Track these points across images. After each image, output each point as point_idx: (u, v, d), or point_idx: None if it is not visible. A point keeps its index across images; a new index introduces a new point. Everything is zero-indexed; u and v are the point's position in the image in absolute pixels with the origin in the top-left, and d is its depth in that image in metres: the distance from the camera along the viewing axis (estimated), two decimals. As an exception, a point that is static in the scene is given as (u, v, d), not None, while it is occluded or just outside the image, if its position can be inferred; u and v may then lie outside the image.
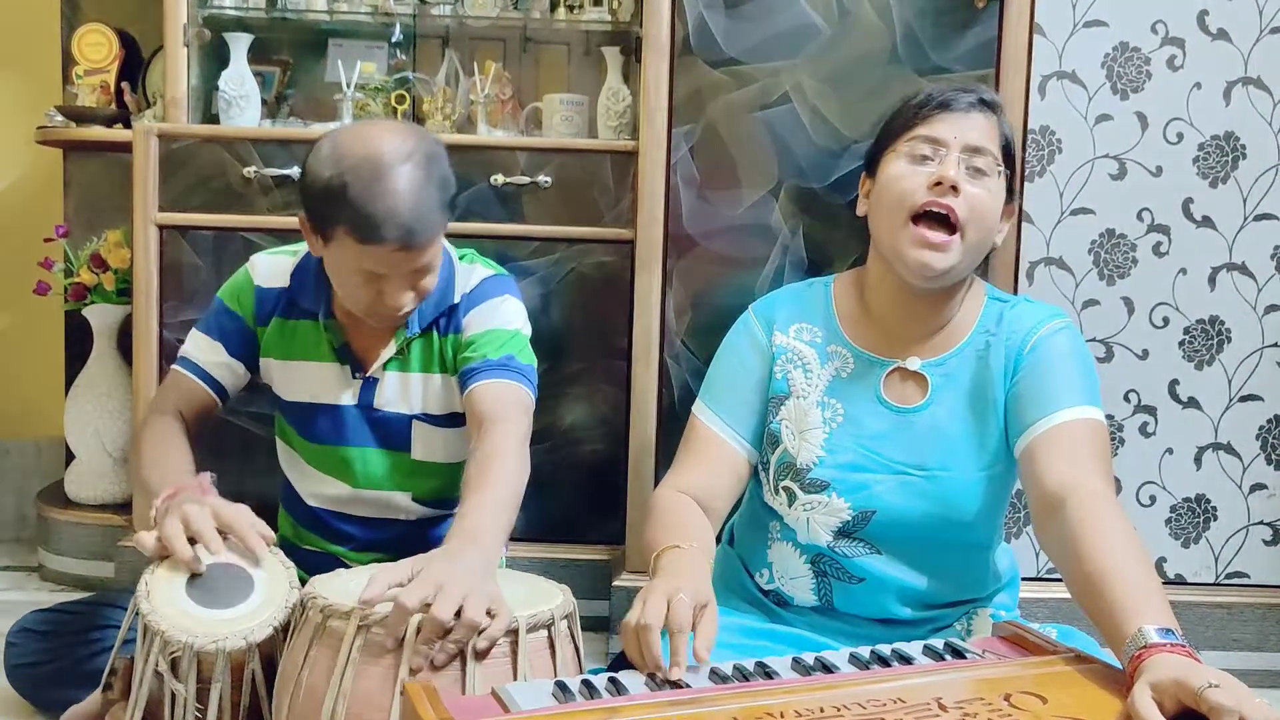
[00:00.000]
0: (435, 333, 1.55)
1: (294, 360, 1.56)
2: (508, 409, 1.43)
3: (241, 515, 1.31)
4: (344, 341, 1.54)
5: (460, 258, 1.59)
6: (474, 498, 1.31)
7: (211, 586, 1.25)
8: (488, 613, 1.12)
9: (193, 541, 1.26)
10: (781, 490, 1.42)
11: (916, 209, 1.32)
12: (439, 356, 1.55)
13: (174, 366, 1.58)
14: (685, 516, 1.34)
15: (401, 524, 1.59)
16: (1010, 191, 1.39)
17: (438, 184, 1.40)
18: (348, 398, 1.55)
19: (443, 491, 1.59)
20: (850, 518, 1.38)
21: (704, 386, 1.48)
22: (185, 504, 1.29)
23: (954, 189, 1.31)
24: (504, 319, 1.53)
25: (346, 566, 1.55)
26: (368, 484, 1.56)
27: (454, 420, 1.57)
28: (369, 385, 1.54)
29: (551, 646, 1.16)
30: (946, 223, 1.32)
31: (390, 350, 1.53)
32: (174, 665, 1.19)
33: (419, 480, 1.58)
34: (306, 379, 1.56)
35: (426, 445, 1.57)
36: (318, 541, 1.62)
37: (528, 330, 1.56)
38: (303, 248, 1.58)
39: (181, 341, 1.61)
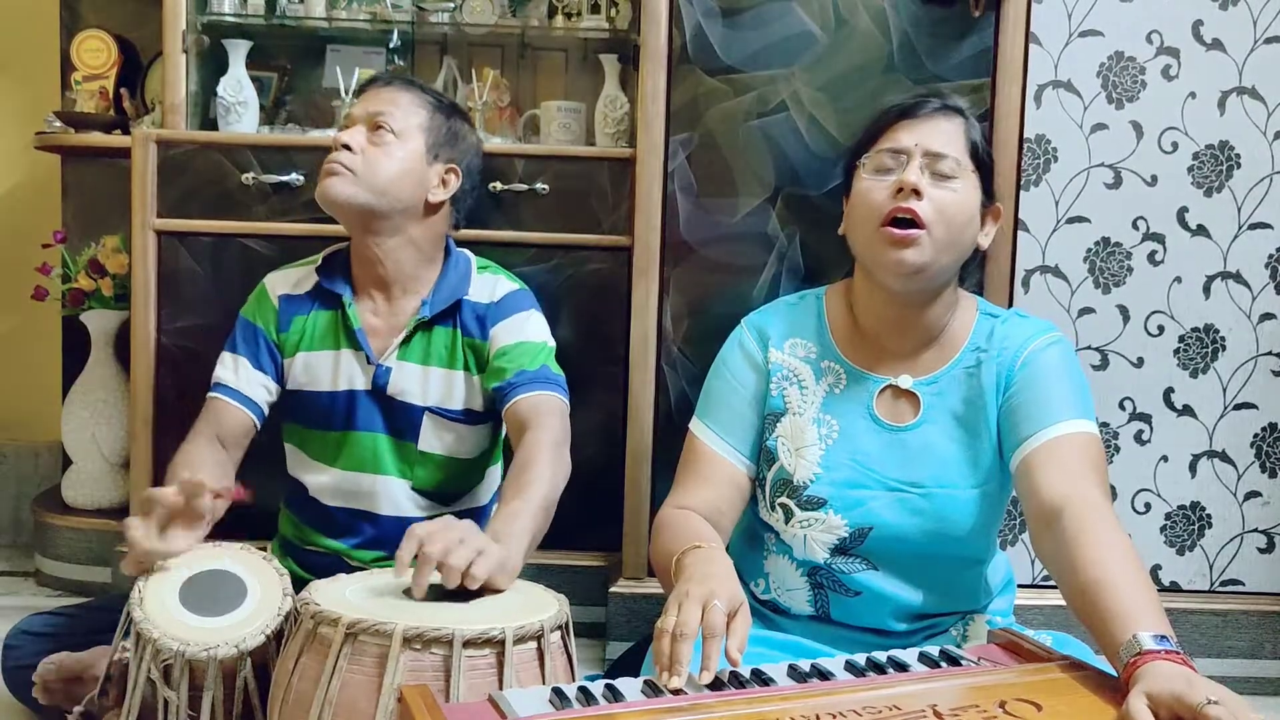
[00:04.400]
0: (458, 330, 1.60)
1: (313, 350, 1.62)
2: (544, 416, 1.51)
3: (158, 491, 1.30)
4: (360, 326, 1.60)
5: (481, 268, 1.67)
6: (504, 511, 1.36)
7: (204, 594, 1.25)
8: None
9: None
10: (778, 507, 1.42)
11: (884, 217, 1.34)
12: (463, 354, 1.61)
13: (208, 395, 1.62)
14: (697, 525, 1.35)
15: (403, 521, 1.60)
16: (989, 194, 1.40)
17: (445, 100, 1.67)
18: (361, 383, 1.60)
19: (443, 484, 1.63)
20: (847, 534, 1.38)
21: (700, 403, 1.48)
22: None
23: (916, 193, 1.32)
24: (533, 332, 1.61)
25: (348, 568, 1.56)
26: (368, 467, 1.58)
27: (467, 417, 1.60)
28: (382, 371, 1.59)
29: (541, 658, 1.16)
30: (913, 225, 1.33)
31: (403, 335, 1.59)
32: (166, 672, 1.19)
33: (420, 470, 1.61)
34: (322, 366, 1.61)
35: (434, 437, 1.61)
36: (320, 540, 1.63)
37: (553, 343, 1.64)
38: (317, 257, 1.68)
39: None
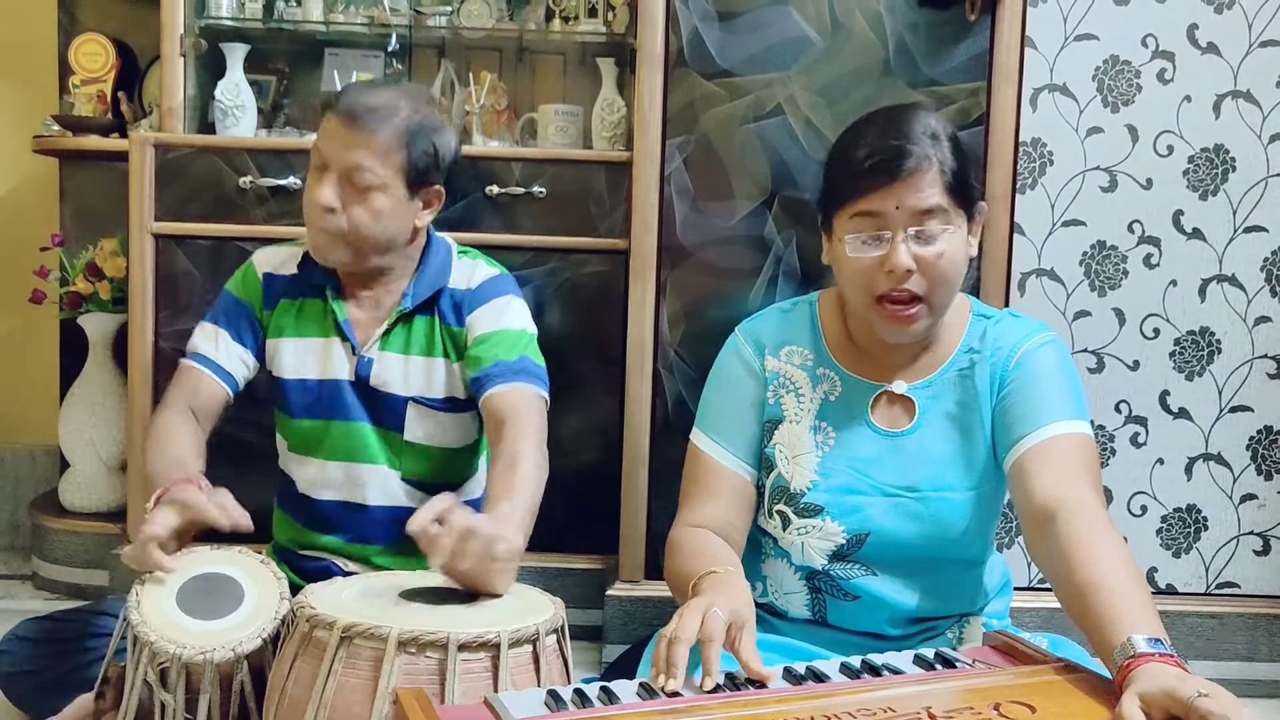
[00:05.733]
0: (437, 318, 1.59)
1: (298, 337, 1.61)
2: (524, 412, 1.48)
3: (199, 498, 1.32)
4: (346, 317, 1.59)
5: (461, 253, 1.65)
6: (497, 507, 1.35)
7: (201, 597, 1.25)
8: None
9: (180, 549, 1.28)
10: (776, 514, 1.42)
11: (876, 294, 1.32)
12: (441, 342, 1.59)
13: (182, 361, 1.61)
14: (712, 546, 1.34)
15: (394, 512, 1.61)
16: (971, 216, 1.36)
17: (410, 109, 1.51)
18: (344, 372, 1.59)
19: (431, 475, 1.63)
20: (844, 541, 1.38)
21: (700, 414, 1.48)
22: (150, 514, 1.31)
23: (908, 271, 1.29)
24: (512, 319, 1.58)
25: (344, 573, 1.56)
26: (356, 457, 1.59)
27: (449, 405, 1.60)
28: (365, 362, 1.58)
29: (536, 662, 1.16)
30: (909, 296, 1.31)
31: (384, 326, 1.58)
32: (163, 675, 1.19)
33: (407, 459, 1.61)
34: (307, 354, 1.60)
35: (419, 427, 1.60)
36: (315, 539, 1.64)
37: (534, 330, 1.61)
38: (302, 244, 1.64)
39: (177, 350, 1.64)
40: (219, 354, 1.59)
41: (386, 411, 1.59)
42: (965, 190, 1.34)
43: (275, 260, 1.64)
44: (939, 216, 1.30)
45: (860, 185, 1.31)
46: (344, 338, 1.59)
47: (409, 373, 1.59)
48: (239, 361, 1.60)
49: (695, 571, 1.26)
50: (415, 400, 1.59)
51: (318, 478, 1.61)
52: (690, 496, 1.43)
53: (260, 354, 1.63)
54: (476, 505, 1.68)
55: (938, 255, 1.31)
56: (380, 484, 1.60)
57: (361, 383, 1.59)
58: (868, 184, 1.30)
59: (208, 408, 1.57)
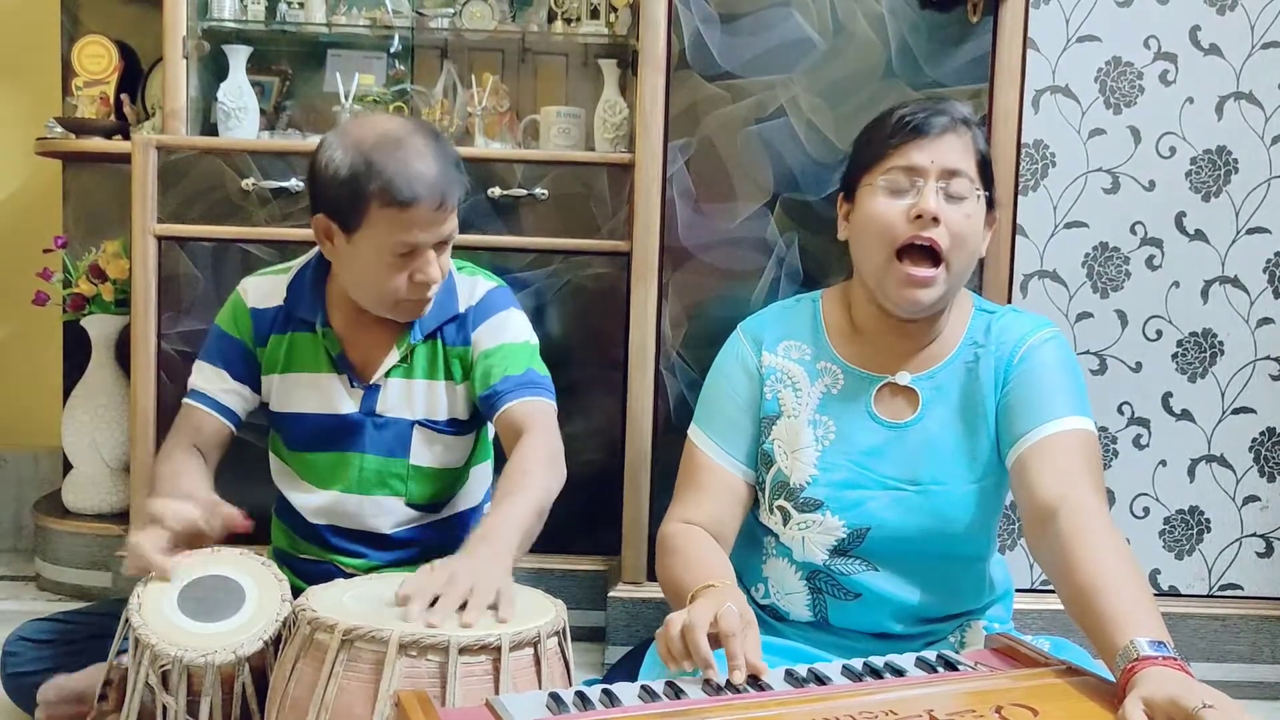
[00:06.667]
0: (440, 341, 1.58)
1: (292, 372, 1.59)
2: (540, 425, 1.50)
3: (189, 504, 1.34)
4: (341, 351, 1.57)
5: (459, 269, 1.62)
6: (497, 510, 1.36)
7: (203, 599, 1.25)
8: (492, 606, 1.20)
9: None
10: (776, 509, 1.42)
11: (899, 244, 1.33)
12: (444, 365, 1.58)
13: (184, 401, 1.61)
14: (706, 553, 1.34)
15: (393, 541, 1.61)
16: (990, 203, 1.39)
17: (450, 150, 1.49)
18: (349, 406, 1.57)
19: (435, 496, 1.63)
20: (845, 535, 1.38)
21: (698, 410, 1.49)
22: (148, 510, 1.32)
23: (935, 220, 1.31)
24: (514, 332, 1.58)
25: (345, 574, 1.56)
26: (361, 488, 1.58)
27: (453, 426, 1.59)
28: (371, 392, 1.57)
29: (538, 664, 1.16)
30: (930, 254, 1.32)
31: (393, 358, 1.56)
32: (164, 678, 1.19)
33: (413, 484, 1.60)
34: (306, 390, 1.58)
35: (424, 450, 1.59)
36: (315, 550, 1.63)
37: (535, 340, 1.61)
38: (293, 265, 1.63)
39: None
40: (218, 392, 1.59)
41: (392, 438, 1.58)
42: (988, 174, 1.38)
43: (262, 293, 1.61)
44: (967, 178, 1.34)
45: (896, 140, 1.34)
46: (340, 371, 1.57)
47: (413, 397, 1.57)
48: (238, 397, 1.60)
49: (691, 582, 1.26)
50: (421, 424, 1.58)
51: (321, 508, 1.60)
52: (683, 490, 1.44)
53: (257, 387, 1.62)
54: (472, 516, 1.68)
55: (964, 216, 1.33)
56: (384, 512, 1.60)
57: (369, 413, 1.57)
58: (905, 139, 1.34)
59: (211, 444, 1.58)
